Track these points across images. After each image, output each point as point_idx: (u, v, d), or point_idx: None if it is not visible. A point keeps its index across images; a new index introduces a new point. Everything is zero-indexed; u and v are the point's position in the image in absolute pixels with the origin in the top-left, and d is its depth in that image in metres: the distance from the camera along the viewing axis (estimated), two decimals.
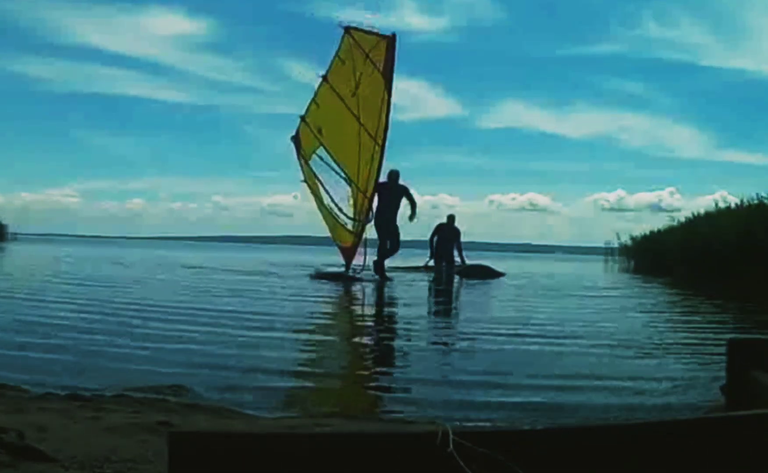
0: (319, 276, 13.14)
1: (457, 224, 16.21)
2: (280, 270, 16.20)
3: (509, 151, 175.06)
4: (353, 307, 8.99)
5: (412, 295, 10.48)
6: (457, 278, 14.22)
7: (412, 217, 12.90)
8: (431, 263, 15.72)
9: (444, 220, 16.41)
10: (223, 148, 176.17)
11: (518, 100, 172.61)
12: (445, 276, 14.49)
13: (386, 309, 9.32)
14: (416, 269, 15.27)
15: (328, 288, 11.13)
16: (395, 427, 3.09)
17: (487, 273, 15.01)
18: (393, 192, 12.82)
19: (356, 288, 11.12)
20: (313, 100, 13.52)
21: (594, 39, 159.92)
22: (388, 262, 12.92)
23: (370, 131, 12.02)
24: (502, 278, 14.74)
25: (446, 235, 15.74)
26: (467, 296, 11.35)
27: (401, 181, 13.09)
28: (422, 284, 12.80)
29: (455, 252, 15.96)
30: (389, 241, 12.65)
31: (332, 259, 15.23)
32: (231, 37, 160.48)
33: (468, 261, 16.06)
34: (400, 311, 9.28)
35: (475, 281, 13.72)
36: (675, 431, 1.61)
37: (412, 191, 13.10)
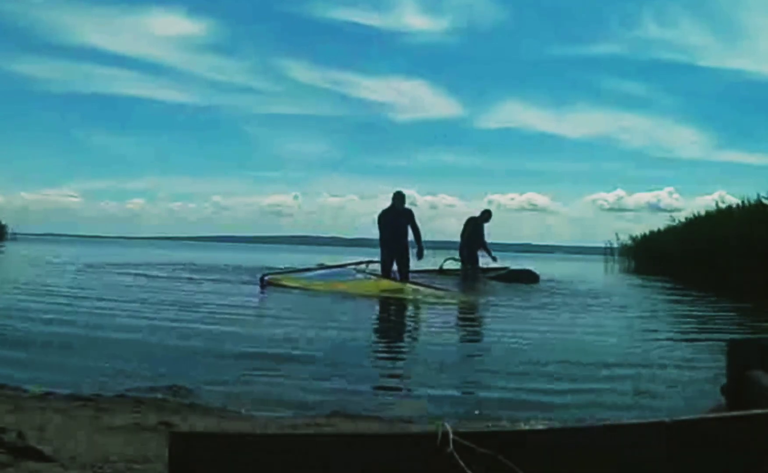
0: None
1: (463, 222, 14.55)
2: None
3: (508, 151, 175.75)
4: (354, 310, 8.99)
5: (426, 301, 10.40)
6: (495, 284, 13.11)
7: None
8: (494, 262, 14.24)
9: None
10: (223, 148, 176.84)
11: (518, 100, 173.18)
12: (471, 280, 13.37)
13: (389, 313, 9.31)
14: (441, 272, 14.09)
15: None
16: (395, 427, 3.09)
17: (531, 278, 13.93)
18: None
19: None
20: None
21: (593, 39, 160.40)
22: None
23: None
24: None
25: (474, 230, 14.18)
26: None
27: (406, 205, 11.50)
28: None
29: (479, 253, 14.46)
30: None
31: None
32: (231, 38, 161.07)
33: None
34: (403, 315, 9.27)
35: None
36: (675, 431, 1.61)
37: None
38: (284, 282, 11.59)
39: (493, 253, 14.64)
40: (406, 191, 11.63)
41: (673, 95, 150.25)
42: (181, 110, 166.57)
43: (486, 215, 14.59)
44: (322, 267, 13.23)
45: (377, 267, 11.91)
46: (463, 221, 14.61)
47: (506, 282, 13.24)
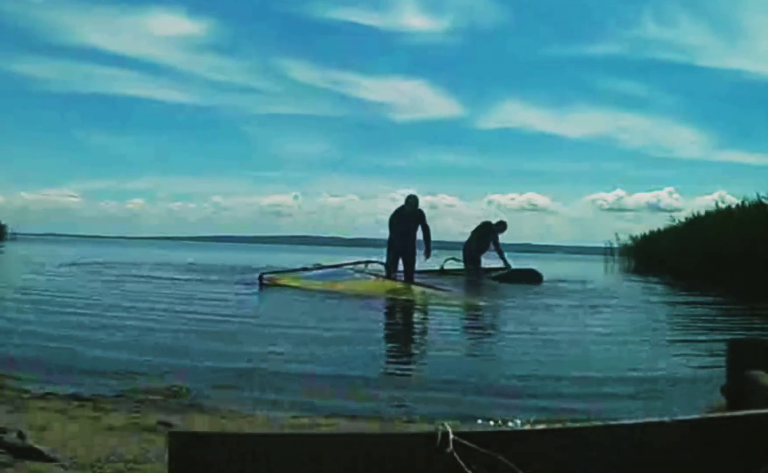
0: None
1: (468, 228, 14.85)
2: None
3: (508, 151, 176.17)
4: (356, 310, 8.98)
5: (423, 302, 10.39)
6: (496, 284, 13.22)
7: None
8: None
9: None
10: (223, 148, 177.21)
11: (517, 100, 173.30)
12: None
13: (392, 314, 9.31)
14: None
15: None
16: (395, 427, 3.09)
17: (534, 278, 14.11)
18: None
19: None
20: None
21: (593, 39, 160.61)
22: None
23: None
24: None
25: (484, 236, 14.59)
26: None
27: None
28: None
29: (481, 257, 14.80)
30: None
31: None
32: (231, 38, 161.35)
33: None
34: (406, 316, 9.27)
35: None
36: (675, 431, 1.61)
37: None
38: (284, 282, 11.56)
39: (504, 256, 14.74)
40: (407, 191, 11.72)
41: (673, 95, 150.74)
42: (181, 110, 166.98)
43: (502, 226, 14.92)
44: (319, 267, 13.15)
45: (377, 267, 11.91)
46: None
47: (509, 283, 13.24)
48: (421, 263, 11.84)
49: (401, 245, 11.36)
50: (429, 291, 10.30)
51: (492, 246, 14.64)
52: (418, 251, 11.52)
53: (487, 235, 14.56)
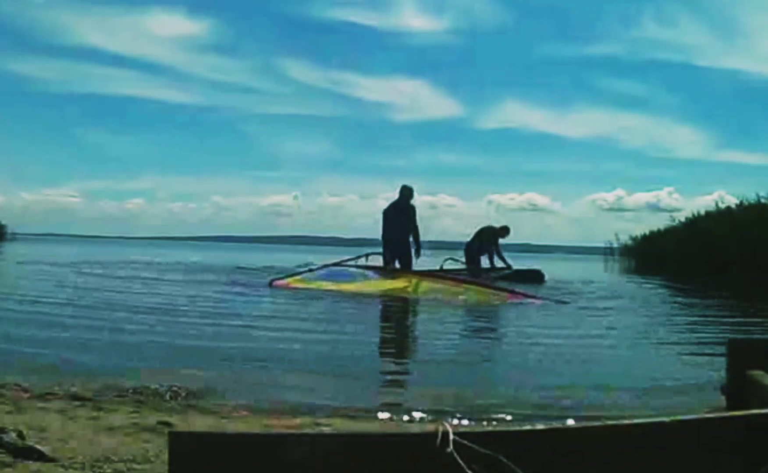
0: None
1: (468, 229, 15.16)
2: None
3: (508, 151, 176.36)
4: (359, 310, 8.98)
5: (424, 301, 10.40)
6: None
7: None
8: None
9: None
10: (223, 148, 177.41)
11: (518, 100, 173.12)
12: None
13: (392, 313, 9.31)
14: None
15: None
16: (395, 427, 3.09)
17: (537, 278, 14.01)
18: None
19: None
20: None
21: (593, 39, 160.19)
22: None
23: None
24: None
25: (488, 240, 14.85)
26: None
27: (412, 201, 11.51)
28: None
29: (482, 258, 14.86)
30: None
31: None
32: (231, 38, 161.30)
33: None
34: (401, 314, 9.27)
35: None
36: (675, 431, 1.61)
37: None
38: (291, 284, 11.53)
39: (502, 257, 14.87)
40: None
41: (673, 95, 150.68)
42: (181, 110, 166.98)
43: (505, 231, 15.14)
44: (321, 266, 13.11)
45: (376, 260, 11.88)
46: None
47: (511, 283, 13.21)
48: (417, 263, 11.80)
49: (397, 245, 11.33)
50: (435, 286, 10.28)
51: (493, 249, 14.78)
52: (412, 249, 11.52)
53: (489, 238, 14.79)
